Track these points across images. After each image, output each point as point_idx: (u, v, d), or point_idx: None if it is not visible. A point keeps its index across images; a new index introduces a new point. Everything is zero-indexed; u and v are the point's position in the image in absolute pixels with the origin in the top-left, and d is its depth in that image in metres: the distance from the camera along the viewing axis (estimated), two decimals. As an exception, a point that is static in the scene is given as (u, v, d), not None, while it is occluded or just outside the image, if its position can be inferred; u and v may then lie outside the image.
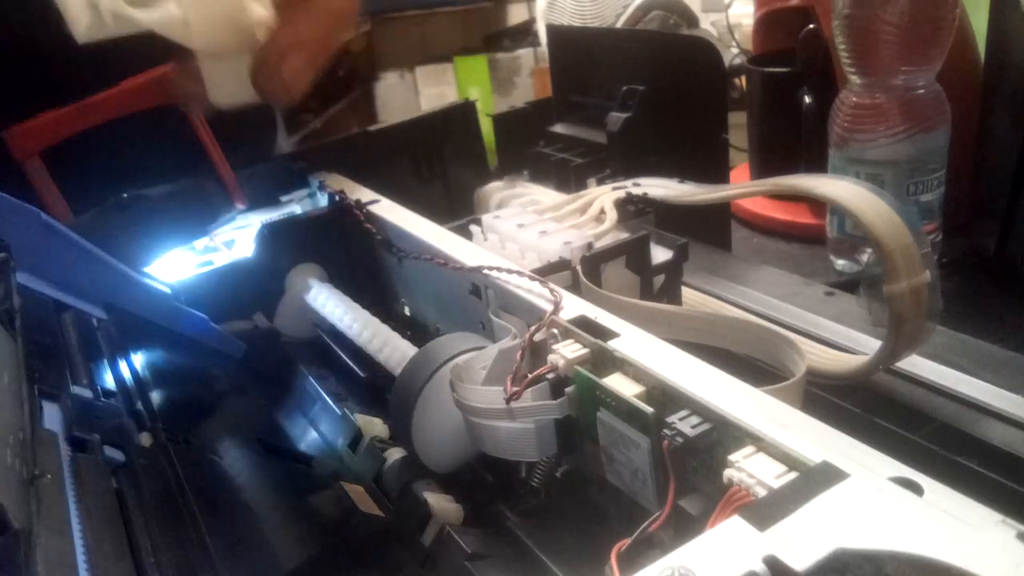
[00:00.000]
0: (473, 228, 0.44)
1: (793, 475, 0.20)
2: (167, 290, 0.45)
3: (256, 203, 0.58)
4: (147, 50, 0.34)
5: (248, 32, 0.30)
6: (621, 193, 0.47)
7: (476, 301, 0.36)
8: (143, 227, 0.52)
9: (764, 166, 0.80)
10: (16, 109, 0.43)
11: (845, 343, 0.38)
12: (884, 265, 0.31)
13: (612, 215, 0.44)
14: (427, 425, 0.32)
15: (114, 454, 0.30)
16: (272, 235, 0.47)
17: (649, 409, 0.24)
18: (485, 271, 0.34)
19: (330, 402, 0.40)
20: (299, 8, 0.34)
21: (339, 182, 0.53)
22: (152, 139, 0.43)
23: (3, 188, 0.36)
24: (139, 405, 0.36)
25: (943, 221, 0.59)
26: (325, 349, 0.46)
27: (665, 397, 0.24)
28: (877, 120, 0.55)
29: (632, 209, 0.46)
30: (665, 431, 0.23)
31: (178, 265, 0.51)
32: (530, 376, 0.28)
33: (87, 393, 0.34)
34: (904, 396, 0.35)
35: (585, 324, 0.29)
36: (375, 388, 0.42)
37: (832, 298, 0.44)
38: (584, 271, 0.37)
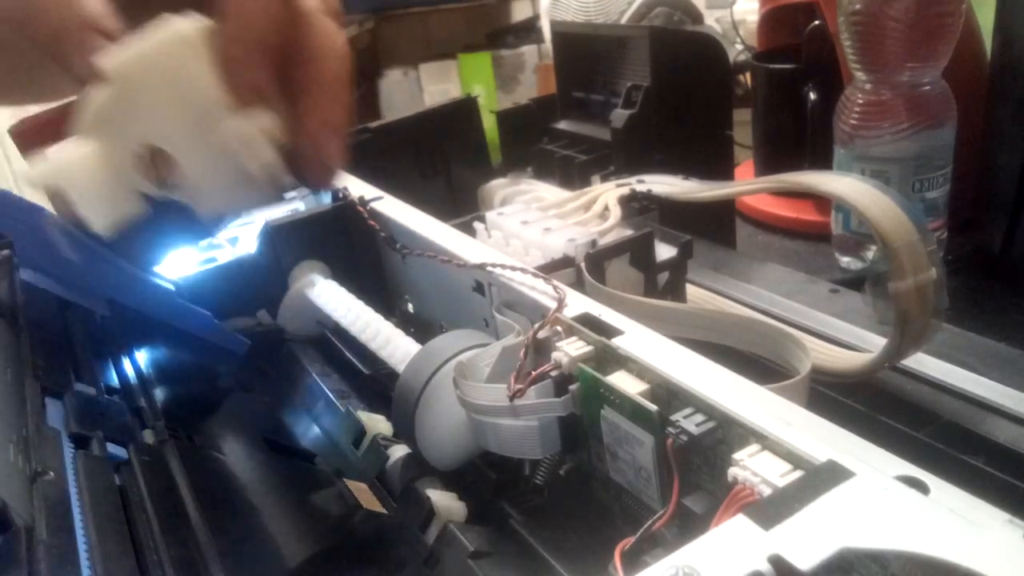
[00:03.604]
0: (477, 225, 0.44)
1: (798, 474, 0.20)
2: (170, 287, 0.44)
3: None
4: None
5: (260, 185, 0.28)
6: (625, 190, 0.47)
7: (479, 298, 0.36)
8: (147, 225, 0.52)
9: (769, 163, 0.80)
10: None
11: (850, 340, 0.38)
12: (889, 262, 0.31)
13: (616, 212, 0.44)
14: (430, 422, 0.32)
15: (117, 451, 0.30)
16: (275, 232, 0.47)
17: (653, 407, 0.24)
18: (488, 268, 0.34)
19: (333, 399, 0.40)
20: (304, 87, 0.28)
21: (342, 178, 0.53)
22: None
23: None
24: (142, 402, 0.36)
25: (949, 218, 0.59)
26: (328, 346, 0.46)
27: (669, 395, 0.24)
28: (883, 117, 0.55)
29: (636, 206, 0.46)
30: (669, 429, 0.23)
31: (181, 261, 0.51)
32: (534, 373, 0.28)
33: (90, 390, 0.34)
34: (910, 394, 0.35)
35: (589, 321, 0.29)
36: (378, 385, 0.42)
37: (837, 295, 0.44)
38: (588, 268, 0.37)
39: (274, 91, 0.27)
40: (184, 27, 0.25)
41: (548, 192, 0.52)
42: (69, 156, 0.25)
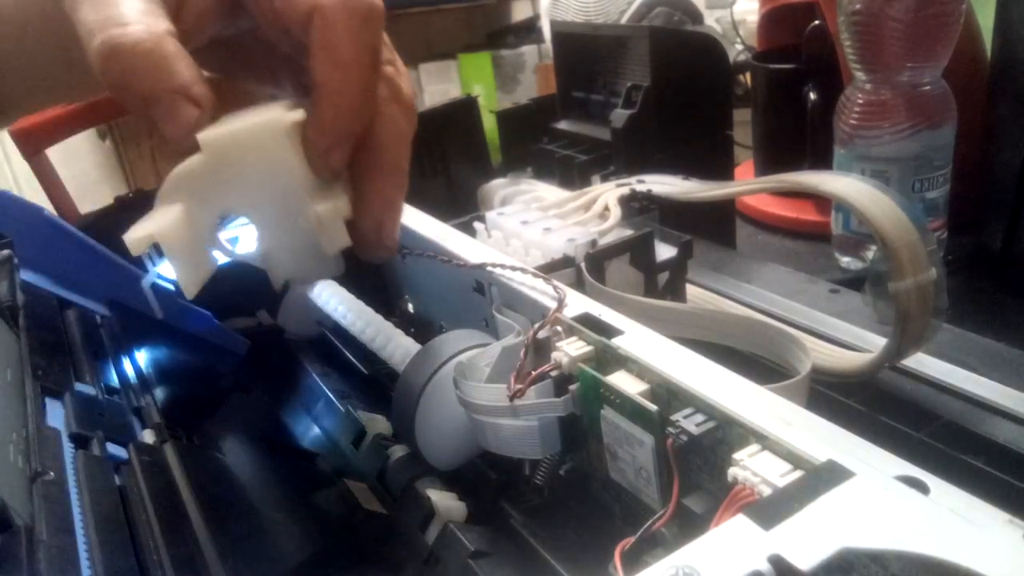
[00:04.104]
0: (477, 225, 0.44)
1: (798, 474, 0.20)
2: (170, 287, 0.45)
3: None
4: None
5: (329, 260, 0.30)
6: (625, 190, 0.47)
7: (480, 298, 0.36)
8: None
9: (769, 163, 0.80)
10: None
11: (850, 340, 0.38)
12: (889, 262, 0.31)
13: (616, 212, 0.44)
14: (430, 422, 0.32)
15: (117, 451, 0.30)
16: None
17: (653, 407, 0.24)
18: (489, 268, 0.34)
19: (333, 399, 0.40)
20: (371, 170, 0.30)
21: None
22: None
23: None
24: (142, 402, 0.36)
25: (949, 218, 0.59)
26: (328, 346, 0.46)
27: (669, 395, 0.24)
28: (883, 117, 0.55)
29: (636, 206, 0.46)
30: (669, 429, 0.23)
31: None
32: (534, 373, 0.28)
33: (90, 390, 0.34)
34: (909, 394, 0.35)
35: (589, 321, 0.29)
36: (378, 385, 0.42)
37: (837, 295, 0.44)
38: (588, 268, 0.37)
39: (346, 172, 0.29)
40: (279, 114, 0.27)
41: (548, 192, 0.52)
42: (162, 218, 0.27)
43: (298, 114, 0.27)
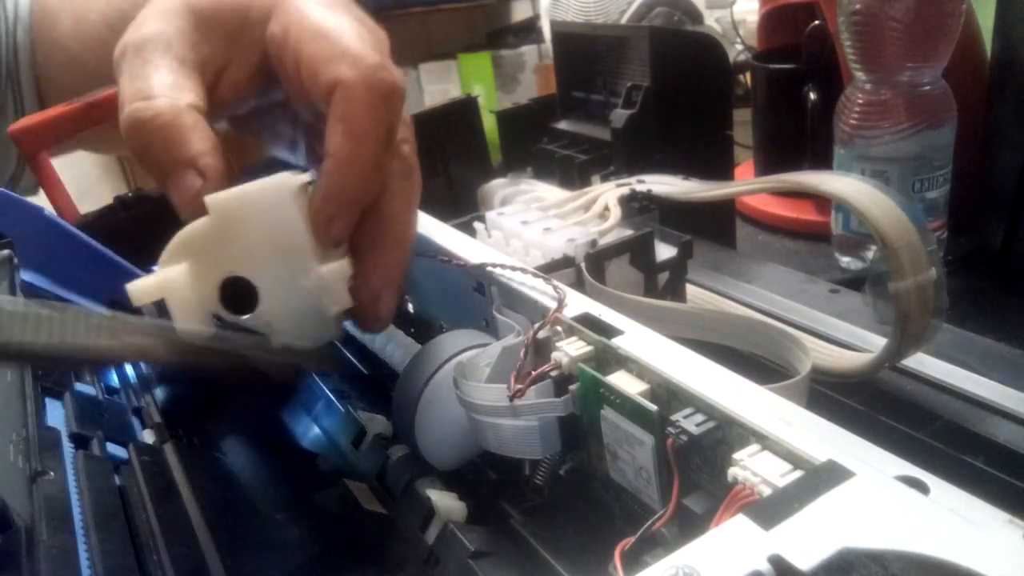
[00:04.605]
0: (477, 225, 0.44)
1: (798, 473, 0.20)
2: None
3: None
4: None
5: (328, 324, 0.31)
6: (625, 190, 0.47)
7: (480, 298, 0.36)
8: (148, 226, 0.52)
9: (769, 163, 0.80)
10: None
11: (850, 341, 0.38)
12: (889, 262, 0.31)
13: (616, 212, 0.44)
14: (430, 422, 0.32)
15: (117, 451, 0.30)
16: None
17: (653, 407, 0.24)
18: (489, 268, 0.34)
19: (333, 399, 0.40)
20: (375, 243, 0.30)
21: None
22: None
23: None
24: (142, 402, 0.36)
25: (949, 218, 0.59)
26: (328, 346, 0.46)
27: (669, 395, 0.24)
28: (883, 116, 0.55)
29: (636, 206, 0.46)
30: (669, 429, 0.23)
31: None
32: (534, 373, 0.28)
33: (90, 390, 0.34)
34: (909, 394, 0.35)
35: (589, 321, 0.29)
36: (378, 385, 0.42)
37: (837, 295, 0.44)
38: (588, 268, 0.37)
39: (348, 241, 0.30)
40: (285, 179, 0.27)
41: (548, 192, 0.52)
42: (168, 274, 0.27)
43: (304, 176, 0.28)
